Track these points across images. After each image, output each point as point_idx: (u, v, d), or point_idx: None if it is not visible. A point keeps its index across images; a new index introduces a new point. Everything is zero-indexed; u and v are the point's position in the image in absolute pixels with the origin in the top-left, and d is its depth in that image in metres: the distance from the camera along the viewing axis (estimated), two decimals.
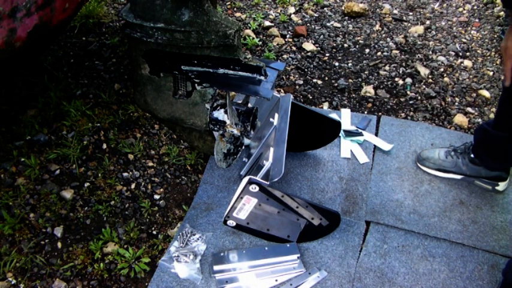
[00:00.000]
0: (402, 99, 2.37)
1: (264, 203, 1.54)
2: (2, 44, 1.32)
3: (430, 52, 2.74)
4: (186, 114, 1.74)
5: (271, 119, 1.73)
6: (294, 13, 3.06)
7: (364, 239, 1.69)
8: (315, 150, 2.01)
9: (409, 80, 2.50)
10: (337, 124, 1.90)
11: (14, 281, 1.50)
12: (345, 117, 2.20)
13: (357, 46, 2.78)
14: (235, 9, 3.08)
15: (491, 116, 2.28)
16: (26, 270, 1.54)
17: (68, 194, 1.76)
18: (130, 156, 1.93)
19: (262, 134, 1.76)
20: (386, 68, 2.60)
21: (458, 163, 1.86)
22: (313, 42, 2.78)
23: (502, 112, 1.66)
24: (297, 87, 2.43)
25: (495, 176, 1.82)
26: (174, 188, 1.85)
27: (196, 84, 1.64)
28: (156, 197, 1.81)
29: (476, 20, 3.07)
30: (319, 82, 2.48)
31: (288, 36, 2.83)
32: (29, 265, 1.55)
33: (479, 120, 2.26)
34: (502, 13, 3.07)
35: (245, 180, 1.48)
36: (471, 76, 2.55)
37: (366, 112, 2.28)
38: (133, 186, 1.83)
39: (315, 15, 3.06)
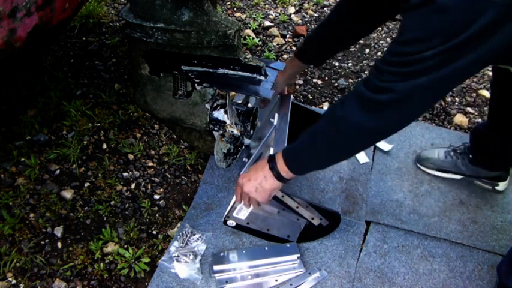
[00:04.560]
0: None
1: None
2: (2, 44, 1.32)
3: None
4: (186, 114, 1.74)
5: (271, 119, 1.73)
6: (294, 13, 3.06)
7: (364, 239, 1.69)
8: None
9: None
10: None
11: (14, 281, 1.50)
12: None
13: (357, 46, 2.78)
14: (235, 9, 3.08)
15: None
16: (26, 270, 1.54)
17: (68, 194, 1.76)
18: (131, 156, 1.93)
19: (262, 134, 1.76)
20: None
21: (458, 163, 1.86)
22: None
23: (494, 115, 1.67)
24: (297, 87, 2.43)
25: (495, 176, 1.82)
26: (174, 188, 1.85)
27: (196, 84, 1.65)
28: (156, 197, 1.81)
29: None
30: (319, 82, 2.48)
31: (288, 36, 2.83)
32: (29, 265, 1.55)
33: (479, 120, 2.26)
34: None
35: None
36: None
37: None
38: (133, 186, 1.83)
39: (315, 15, 3.06)
